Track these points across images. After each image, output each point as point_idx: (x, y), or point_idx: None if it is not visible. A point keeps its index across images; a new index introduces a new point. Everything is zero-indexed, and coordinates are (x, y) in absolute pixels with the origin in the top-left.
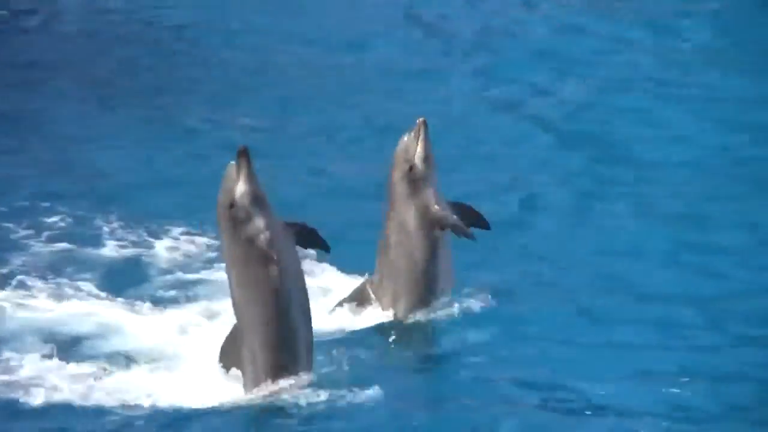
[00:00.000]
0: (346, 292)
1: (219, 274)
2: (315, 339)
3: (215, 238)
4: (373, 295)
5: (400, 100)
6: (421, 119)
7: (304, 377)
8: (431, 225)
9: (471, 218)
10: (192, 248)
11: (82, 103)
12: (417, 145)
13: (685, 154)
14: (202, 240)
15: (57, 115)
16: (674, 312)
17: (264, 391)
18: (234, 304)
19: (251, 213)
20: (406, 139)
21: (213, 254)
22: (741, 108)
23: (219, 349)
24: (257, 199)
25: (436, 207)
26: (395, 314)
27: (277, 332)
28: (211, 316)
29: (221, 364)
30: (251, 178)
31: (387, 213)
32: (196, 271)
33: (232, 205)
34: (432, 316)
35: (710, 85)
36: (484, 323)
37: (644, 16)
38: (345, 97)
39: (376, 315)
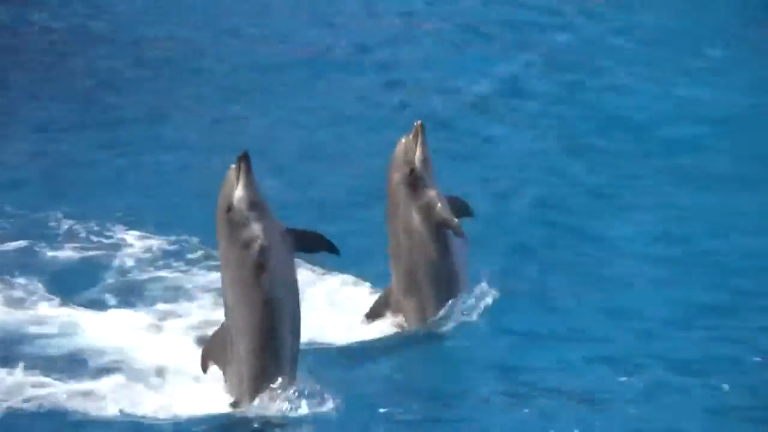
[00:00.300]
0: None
1: (174, 274)
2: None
3: (167, 236)
4: (393, 304)
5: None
6: (418, 122)
7: (288, 385)
8: (437, 224)
9: (460, 210)
10: (146, 248)
11: (36, 102)
12: (416, 147)
13: (659, 145)
14: (156, 240)
15: (11, 113)
16: (649, 305)
17: (245, 396)
18: (225, 306)
19: (248, 218)
20: (404, 141)
21: (169, 250)
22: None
23: (204, 345)
24: (255, 205)
25: (440, 206)
26: (424, 317)
27: (263, 339)
28: (165, 317)
29: (203, 360)
30: (250, 184)
31: (391, 219)
32: (152, 271)
33: (229, 208)
34: (447, 316)
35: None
36: (479, 322)
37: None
38: (308, 95)
39: (395, 324)
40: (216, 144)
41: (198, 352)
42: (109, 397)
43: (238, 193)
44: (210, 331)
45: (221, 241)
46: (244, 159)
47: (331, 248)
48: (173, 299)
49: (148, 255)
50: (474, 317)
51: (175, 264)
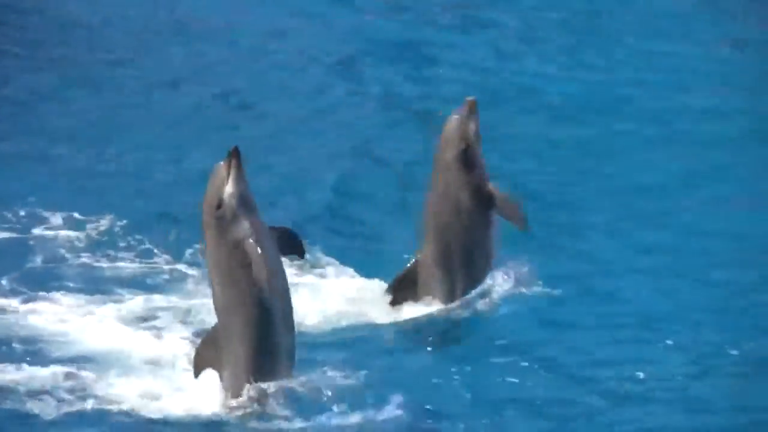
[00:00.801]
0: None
1: (102, 260)
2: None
3: (96, 222)
4: (422, 278)
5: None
6: (471, 98)
7: (285, 383)
8: (487, 204)
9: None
10: (73, 233)
11: None
12: (471, 123)
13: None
14: (84, 225)
15: None
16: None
17: (243, 397)
18: (216, 308)
19: (238, 215)
20: (457, 117)
21: (98, 237)
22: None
23: (196, 349)
24: (245, 201)
25: (491, 186)
26: (447, 297)
27: (258, 338)
28: (100, 303)
29: (196, 365)
30: (241, 179)
31: (435, 194)
32: (81, 257)
33: (219, 205)
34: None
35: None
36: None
37: None
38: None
39: (420, 300)
40: (138, 127)
41: (138, 340)
42: (51, 387)
43: (229, 188)
44: (143, 320)
45: (209, 240)
46: (235, 154)
47: (301, 252)
48: (105, 287)
49: (76, 241)
50: (497, 299)
51: (103, 250)
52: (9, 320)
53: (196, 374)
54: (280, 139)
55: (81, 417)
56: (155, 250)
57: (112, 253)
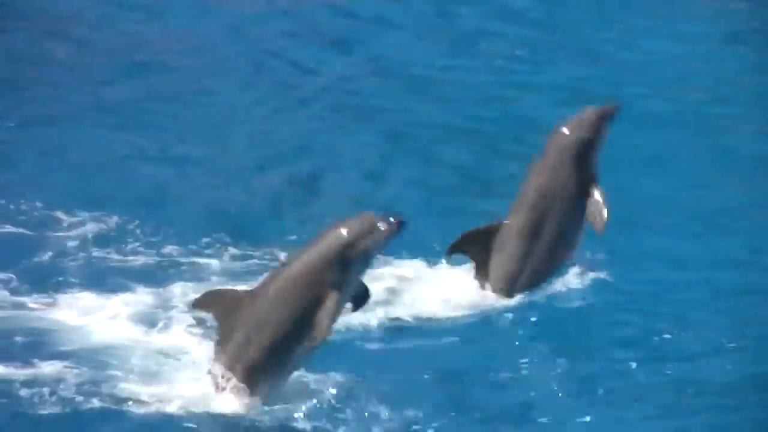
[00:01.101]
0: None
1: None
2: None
3: (106, 217)
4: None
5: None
6: (616, 101)
7: (286, 382)
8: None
9: None
10: (84, 228)
11: None
12: (605, 122)
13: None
14: (94, 220)
15: None
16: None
17: (246, 395)
18: (245, 315)
19: (352, 266)
20: (595, 110)
21: (108, 232)
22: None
23: (213, 291)
24: (367, 263)
25: (597, 185)
26: (517, 269)
27: (275, 356)
28: (109, 300)
29: (198, 301)
30: (384, 245)
31: (545, 168)
32: (87, 254)
33: (351, 245)
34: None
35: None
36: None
37: None
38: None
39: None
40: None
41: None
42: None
43: (370, 241)
44: None
45: (302, 261)
46: (401, 226)
47: (355, 309)
48: (117, 281)
49: (87, 236)
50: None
51: (114, 245)
52: (20, 316)
53: (194, 307)
54: (274, 133)
55: (92, 413)
56: (167, 244)
57: (123, 247)
